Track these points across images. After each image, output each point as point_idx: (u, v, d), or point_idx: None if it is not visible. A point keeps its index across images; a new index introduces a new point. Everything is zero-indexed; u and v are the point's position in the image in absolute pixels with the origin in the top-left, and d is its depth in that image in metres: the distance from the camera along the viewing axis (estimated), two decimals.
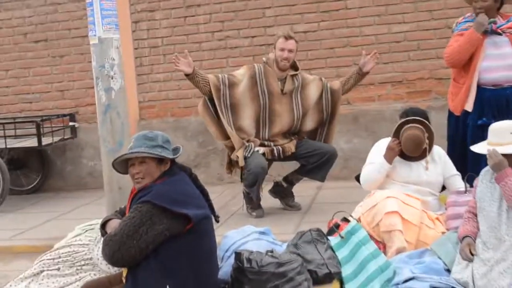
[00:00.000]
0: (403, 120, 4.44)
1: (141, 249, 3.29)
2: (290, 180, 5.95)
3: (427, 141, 4.40)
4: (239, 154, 5.54)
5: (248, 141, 5.59)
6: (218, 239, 3.91)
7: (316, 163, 5.68)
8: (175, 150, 3.56)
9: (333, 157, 5.74)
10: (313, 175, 5.81)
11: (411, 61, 7.23)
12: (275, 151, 5.64)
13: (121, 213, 3.69)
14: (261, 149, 5.61)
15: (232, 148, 5.65)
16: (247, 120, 5.61)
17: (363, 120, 7.29)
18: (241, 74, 5.65)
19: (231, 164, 5.83)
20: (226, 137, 5.67)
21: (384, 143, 4.57)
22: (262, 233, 4.20)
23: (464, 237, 3.77)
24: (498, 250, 3.56)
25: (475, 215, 3.82)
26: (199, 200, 3.54)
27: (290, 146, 5.71)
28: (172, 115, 7.83)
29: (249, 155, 5.51)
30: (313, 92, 5.76)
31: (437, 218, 4.31)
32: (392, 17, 7.26)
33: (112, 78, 5.08)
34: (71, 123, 7.96)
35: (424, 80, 7.20)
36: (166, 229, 3.33)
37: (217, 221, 3.72)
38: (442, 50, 6.93)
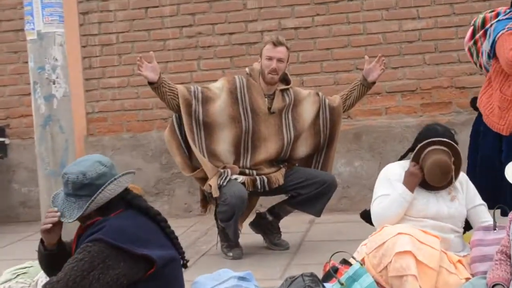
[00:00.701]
0: (427, 141, 4.44)
1: None
2: (277, 212, 5.94)
3: (453, 166, 4.43)
4: (212, 183, 5.52)
5: (224, 168, 5.59)
6: (186, 285, 3.88)
7: (310, 194, 5.69)
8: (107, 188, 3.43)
9: (332, 187, 5.76)
10: (307, 208, 5.81)
11: (426, 66, 7.31)
12: (258, 182, 5.64)
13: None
14: (240, 178, 5.61)
15: (203, 180, 5.63)
16: (224, 144, 5.61)
17: (366, 138, 7.33)
18: (218, 87, 5.66)
19: (206, 201, 5.81)
20: (195, 168, 5.67)
21: (394, 170, 4.57)
22: (242, 278, 4.17)
23: (494, 286, 3.76)
24: None
25: (509, 257, 3.83)
26: (163, 238, 3.51)
27: (278, 176, 5.72)
28: (129, 130, 7.82)
29: (224, 183, 5.51)
30: (307, 111, 5.78)
31: (459, 261, 4.32)
32: (404, 12, 7.34)
33: (54, 83, 5.08)
34: (0, 139, 7.90)
35: (442, 89, 7.27)
36: (123, 274, 3.30)
37: (185, 266, 3.69)
38: (465, 53, 7.05)
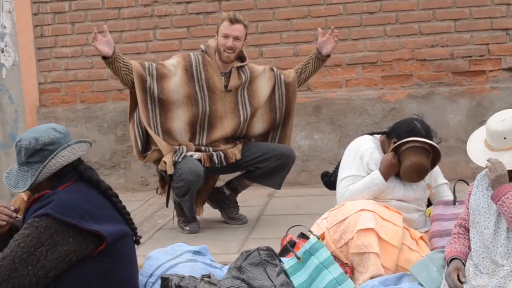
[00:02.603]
0: (411, 139, 4.41)
1: (38, 278, 3.21)
2: (234, 186, 5.92)
3: (429, 166, 4.45)
4: (166, 159, 5.48)
5: (179, 145, 5.56)
6: (140, 260, 3.86)
7: (268, 167, 5.67)
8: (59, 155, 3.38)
9: (290, 159, 5.75)
10: (266, 181, 5.81)
11: (387, 37, 7.30)
12: (215, 157, 5.61)
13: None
14: (196, 154, 5.58)
15: (159, 162, 5.58)
16: (179, 123, 5.57)
17: (326, 111, 7.33)
18: (173, 65, 5.60)
19: (164, 181, 5.77)
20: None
21: (366, 148, 4.56)
22: (197, 252, 4.18)
23: (452, 259, 3.80)
24: (494, 276, 3.60)
25: (468, 230, 3.86)
26: (114, 213, 3.47)
27: (234, 151, 5.68)
28: (83, 101, 7.72)
29: (179, 160, 5.48)
30: (263, 87, 5.76)
31: (421, 238, 4.36)
32: None
33: (2, 52, 5.00)
34: None
35: (403, 61, 7.28)
36: (72, 251, 3.26)
37: (137, 243, 3.65)
38: (426, 24, 7.15)
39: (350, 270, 4.16)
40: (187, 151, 5.52)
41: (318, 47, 5.80)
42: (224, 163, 5.64)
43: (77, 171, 3.44)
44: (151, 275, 3.97)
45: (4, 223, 3.45)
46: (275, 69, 5.87)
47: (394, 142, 4.45)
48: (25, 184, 3.36)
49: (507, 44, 7.08)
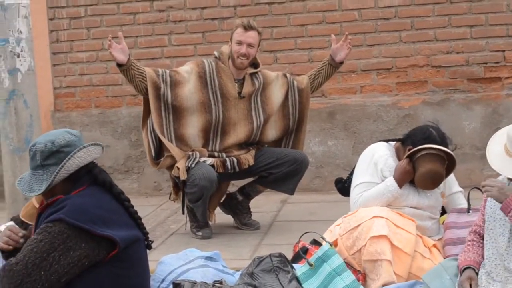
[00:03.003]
0: (426, 146, 4.39)
1: (50, 283, 3.22)
2: (247, 192, 5.93)
3: (444, 173, 4.44)
4: (179, 165, 5.49)
5: (192, 151, 5.57)
6: (152, 265, 3.87)
7: (281, 172, 5.67)
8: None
9: (303, 165, 5.74)
10: (279, 186, 5.81)
11: (402, 44, 7.28)
12: (228, 163, 5.61)
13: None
14: (209, 160, 5.58)
15: (172, 168, 5.59)
16: (193, 129, 5.58)
17: (341, 117, 7.32)
18: (187, 71, 5.61)
19: (178, 187, 5.77)
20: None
21: (381, 154, 4.55)
22: (209, 258, 4.18)
23: (465, 268, 3.78)
24: (507, 284, 3.58)
25: (482, 237, 3.84)
26: (126, 218, 3.47)
27: (247, 157, 5.69)
28: (97, 106, 7.75)
29: (192, 166, 5.48)
30: (276, 93, 5.76)
31: (434, 246, 4.34)
32: None
33: (18, 57, 5.02)
34: None
35: (418, 67, 7.25)
36: (85, 256, 3.27)
37: (149, 248, 3.66)
38: (442, 31, 7.13)
39: (362, 277, 4.14)
40: (200, 157, 5.53)
41: (331, 53, 5.80)
42: (237, 169, 5.64)
43: (91, 175, 3.46)
44: (163, 280, 3.97)
45: (11, 248, 3.46)
46: (288, 75, 5.87)
47: (409, 149, 4.44)
48: (41, 187, 3.37)
49: None
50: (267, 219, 6.16)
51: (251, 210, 6.00)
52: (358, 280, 4.07)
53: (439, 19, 7.16)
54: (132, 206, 3.55)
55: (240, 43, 5.53)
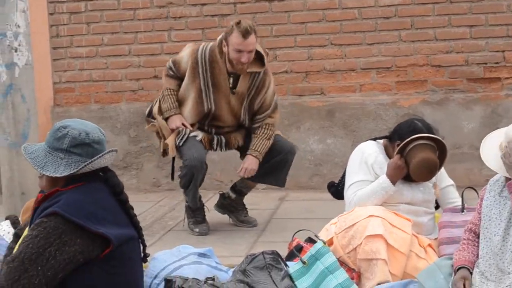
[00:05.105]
0: (415, 136, 4.39)
1: (47, 279, 3.19)
2: (239, 189, 5.91)
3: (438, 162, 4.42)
4: (169, 141, 5.53)
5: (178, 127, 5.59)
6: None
7: (269, 163, 5.64)
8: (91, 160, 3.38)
9: (290, 154, 5.74)
10: (269, 179, 5.80)
11: (402, 43, 7.27)
12: (215, 141, 5.64)
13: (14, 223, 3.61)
14: (200, 135, 5.59)
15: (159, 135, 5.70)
16: (187, 118, 5.63)
17: (340, 115, 7.31)
18: (185, 61, 5.59)
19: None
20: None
21: (370, 153, 4.54)
22: (203, 255, 4.17)
23: (459, 268, 3.76)
24: (501, 284, 3.56)
25: (477, 235, 3.82)
26: (122, 216, 3.46)
27: (237, 137, 5.71)
28: (97, 101, 7.75)
29: (181, 144, 5.50)
30: (268, 99, 5.67)
31: (429, 245, 4.33)
32: None
33: (16, 51, 5.01)
34: None
35: (418, 67, 7.24)
36: (80, 252, 3.24)
37: (145, 260, 3.64)
38: (441, 30, 7.11)
39: (357, 276, 4.12)
40: (190, 132, 5.54)
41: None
42: (225, 149, 5.69)
43: (94, 174, 3.43)
44: (155, 276, 3.96)
45: None
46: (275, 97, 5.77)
47: (398, 145, 4.42)
48: (57, 170, 3.33)
49: None
50: (265, 216, 6.15)
51: (249, 207, 5.98)
52: (352, 279, 4.05)
53: (439, 18, 7.15)
54: (132, 208, 3.55)
55: (239, 51, 5.40)
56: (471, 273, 3.71)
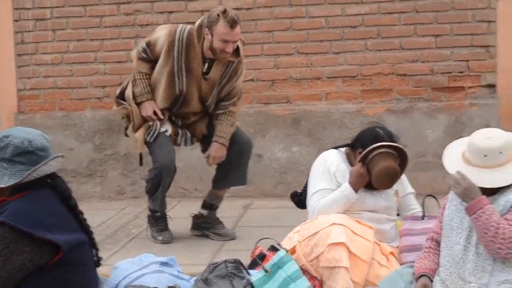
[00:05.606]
0: (377, 145, 4.41)
1: None
2: (209, 203, 5.87)
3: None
4: (138, 136, 5.52)
5: (155, 115, 5.54)
6: (107, 270, 3.83)
7: (227, 161, 5.63)
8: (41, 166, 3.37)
9: (249, 145, 5.76)
10: (231, 182, 5.78)
11: (368, 52, 7.31)
12: (179, 136, 5.65)
13: None
14: (169, 129, 5.58)
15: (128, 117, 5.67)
16: (159, 101, 5.60)
17: (305, 123, 7.32)
18: (161, 42, 5.51)
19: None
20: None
21: (333, 161, 4.55)
22: (165, 263, 4.14)
23: (420, 276, 3.78)
24: None
25: (439, 244, 3.84)
26: (71, 222, 3.43)
27: (201, 126, 5.70)
28: (61, 109, 7.68)
29: (151, 140, 5.48)
30: (237, 88, 5.72)
31: (391, 253, 4.34)
32: None
33: None
34: None
35: (383, 76, 7.28)
36: (29, 260, 3.23)
37: (98, 265, 3.61)
38: (407, 39, 7.16)
39: (319, 284, 4.13)
40: (160, 126, 5.53)
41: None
42: (190, 143, 5.71)
43: (41, 182, 3.40)
44: (117, 286, 3.93)
45: None
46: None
47: (360, 153, 4.44)
48: (1, 180, 3.30)
49: (487, 61, 7.10)
50: (229, 224, 6.12)
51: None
52: (315, 287, 4.06)
53: (405, 28, 7.20)
54: (82, 213, 3.53)
55: (226, 41, 5.35)
56: (431, 281, 3.74)
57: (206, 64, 5.53)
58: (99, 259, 3.62)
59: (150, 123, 5.53)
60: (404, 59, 7.20)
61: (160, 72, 5.55)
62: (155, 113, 5.53)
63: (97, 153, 7.59)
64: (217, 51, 5.40)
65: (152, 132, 5.51)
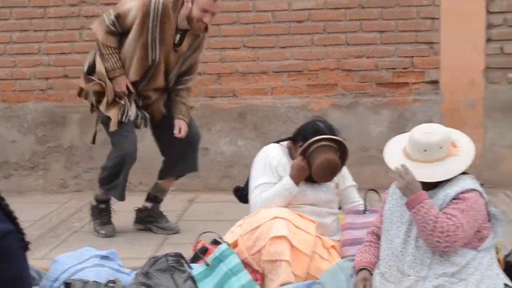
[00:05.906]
0: (317, 138, 4.43)
1: None
2: (153, 196, 5.85)
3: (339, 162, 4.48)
4: (112, 116, 5.44)
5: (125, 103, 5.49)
6: (47, 264, 3.79)
7: (176, 151, 5.64)
8: None
9: (198, 139, 5.79)
10: (182, 167, 5.77)
11: (314, 47, 7.33)
12: (140, 118, 5.61)
13: None
14: (133, 114, 5.54)
15: (98, 94, 5.53)
16: (131, 73, 5.54)
17: (251, 117, 7.33)
18: (133, 13, 5.42)
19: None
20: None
21: (274, 155, 4.57)
22: (105, 257, 4.13)
23: (360, 269, 3.82)
24: (400, 285, 3.63)
25: (379, 238, 3.88)
26: None
27: (160, 106, 5.68)
28: (4, 100, 7.55)
29: (126, 120, 5.46)
30: (199, 60, 5.79)
31: (333, 247, 4.38)
32: None
33: None
34: None
35: (329, 71, 7.31)
36: None
37: (26, 249, 3.56)
38: (353, 35, 7.21)
39: (260, 277, 4.15)
40: (130, 109, 5.50)
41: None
42: (146, 126, 5.68)
43: None
44: (56, 279, 3.91)
45: None
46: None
47: (301, 146, 4.47)
48: None
49: (430, 57, 7.18)
50: (173, 218, 6.11)
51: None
52: (256, 280, 4.08)
53: (350, 23, 7.24)
54: (3, 199, 3.46)
55: (205, 11, 5.35)
56: (371, 274, 3.78)
57: (178, 36, 5.51)
58: (27, 243, 3.56)
59: (122, 102, 5.46)
60: (350, 55, 7.24)
61: (132, 45, 5.47)
62: (127, 87, 5.48)
63: (40, 146, 7.48)
64: (194, 20, 5.40)
65: (126, 112, 5.46)
